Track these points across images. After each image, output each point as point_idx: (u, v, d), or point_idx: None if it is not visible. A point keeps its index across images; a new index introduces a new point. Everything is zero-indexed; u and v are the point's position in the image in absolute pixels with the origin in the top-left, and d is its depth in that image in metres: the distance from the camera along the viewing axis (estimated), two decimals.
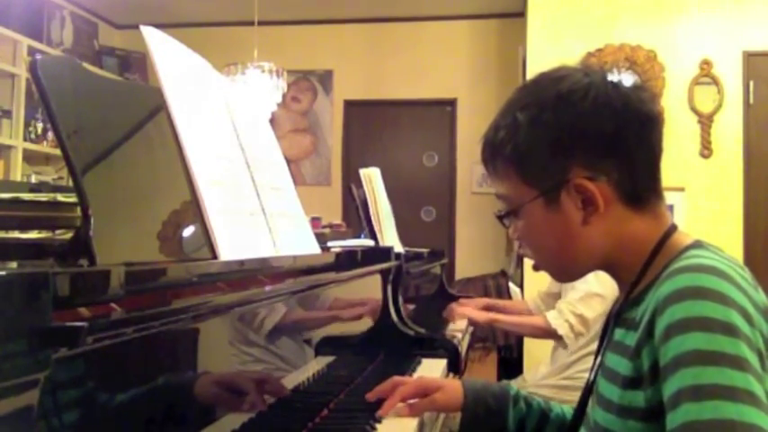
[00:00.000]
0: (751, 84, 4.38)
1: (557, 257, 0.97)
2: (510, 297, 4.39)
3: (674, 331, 0.77)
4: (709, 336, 0.75)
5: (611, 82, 0.92)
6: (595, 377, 0.96)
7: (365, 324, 1.77)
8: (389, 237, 2.42)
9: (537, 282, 4.43)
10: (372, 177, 2.43)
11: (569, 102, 0.90)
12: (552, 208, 0.92)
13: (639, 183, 0.92)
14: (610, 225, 0.92)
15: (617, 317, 0.96)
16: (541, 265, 1.01)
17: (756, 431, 0.71)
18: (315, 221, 3.46)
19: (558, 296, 2.73)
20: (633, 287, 0.93)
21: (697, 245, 0.90)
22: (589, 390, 0.97)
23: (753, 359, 0.75)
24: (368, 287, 1.81)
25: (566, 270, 1.01)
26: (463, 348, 1.99)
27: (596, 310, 2.41)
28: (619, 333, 0.93)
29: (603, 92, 0.90)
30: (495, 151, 0.97)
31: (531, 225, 0.96)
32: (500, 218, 1.00)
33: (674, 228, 0.94)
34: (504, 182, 0.96)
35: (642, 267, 0.92)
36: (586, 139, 0.90)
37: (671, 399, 0.75)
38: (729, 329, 0.75)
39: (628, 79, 0.93)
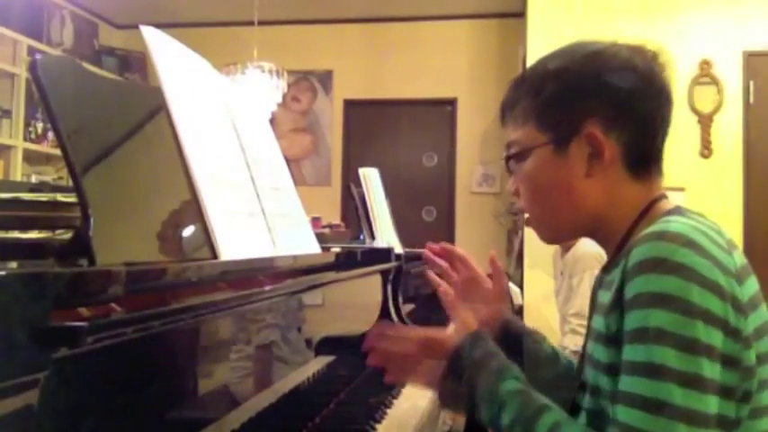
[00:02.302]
0: (751, 84, 4.38)
1: (550, 209, 1.00)
2: (510, 297, 4.38)
3: (635, 303, 0.81)
4: (666, 314, 0.78)
5: (642, 51, 0.97)
6: (586, 342, 0.98)
7: (365, 324, 1.77)
8: (387, 236, 2.42)
9: (537, 282, 4.43)
10: (370, 177, 2.44)
11: (600, 58, 0.96)
12: (559, 156, 0.96)
13: (646, 151, 0.96)
14: (608, 184, 0.95)
15: (600, 281, 0.99)
16: (532, 218, 1.03)
17: (697, 417, 0.75)
18: (315, 221, 3.47)
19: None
20: (617, 252, 0.96)
21: (675, 211, 0.92)
22: (583, 357, 1.00)
23: (710, 337, 0.77)
24: (368, 287, 1.81)
25: (555, 225, 1.02)
26: None
27: None
28: (600, 294, 0.96)
29: (630, 56, 0.96)
30: (519, 95, 1.00)
31: (534, 171, 0.99)
32: (507, 160, 1.02)
33: (661, 196, 0.96)
34: (520, 127, 0.99)
35: (626, 233, 0.95)
36: (608, 95, 0.94)
37: (624, 366, 0.81)
38: (687, 309, 0.77)
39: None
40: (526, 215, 1.07)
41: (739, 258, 0.87)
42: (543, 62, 1.00)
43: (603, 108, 0.94)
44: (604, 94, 0.94)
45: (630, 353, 0.80)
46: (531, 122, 0.98)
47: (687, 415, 0.75)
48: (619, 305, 0.84)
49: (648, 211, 0.94)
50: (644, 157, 0.96)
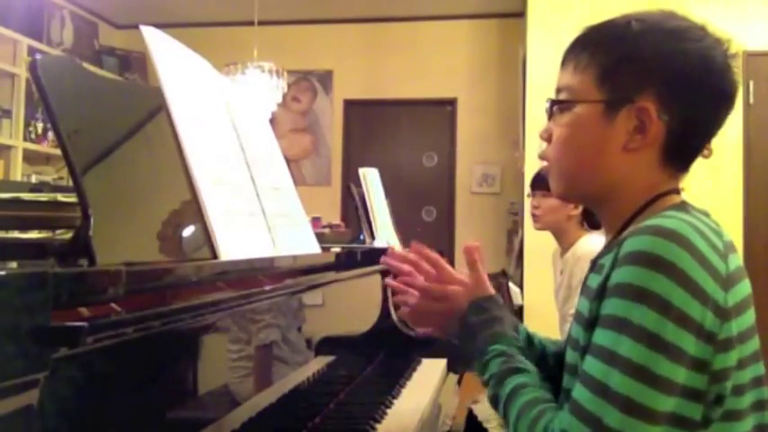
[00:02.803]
0: (751, 84, 4.39)
1: (573, 165, 0.98)
2: (510, 297, 4.39)
3: (616, 291, 0.82)
4: (642, 309, 0.78)
5: (724, 46, 0.94)
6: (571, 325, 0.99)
7: (365, 324, 1.77)
8: (387, 236, 2.43)
9: (537, 282, 4.43)
10: (370, 177, 2.45)
11: (682, 38, 0.93)
12: (606, 118, 0.94)
13: (688, 145, 0.94)
14: (637, 164, 0.94)
15: (593, 265, 0.98)
16: (553, 167, 1.01)
17: (636, 408, 0.76)
18: (315, 221, 3.47)
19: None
20: (615, 237, 0.96)
21: (680, 206, 0.91)
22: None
23: (679, 339, 0.78)
24: (368, 287, 1.81)
25: (570, 183, 1.00)
26: None
27: None
28: (590, 278, 0.96)
29: (712, 47, 0.93)
30: (591, 42, 0.98)
31: (575, 124, 0.96)
32: (553, 103, 1.00)
33: (673, 190, 0.95)
34: (579, 75, 0.96)
35: (628, 219, 0.95)
36: (675, 77, 0.92)
37: (590, 347, 0.84)
38: (663, 307, 0.78)
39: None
40: (544, 162, 1.05)
41: (734, 262, 0.86)
42: (627, 20, 0.97)
43: (666, 88, 0.91)
44: (671, 75, 0.91)
45: (598, 336, 0.83)
46: (591, 73, 0.95)
47: (626, 404, 0.77)
48: (603, 292, 0.85)
49: (656, 201, 0.94)
50: (683, 149, 0.94)
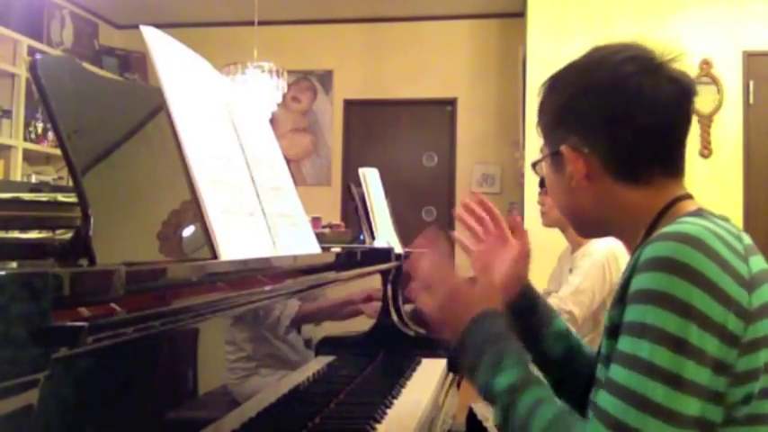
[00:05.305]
0: (751, 84, 4.38)
1: (565, 210, 1.06)
2: None
3: (637, 298, 0.82)
4: (662, 312, 0.79)
5: (637, 60, 0.95)
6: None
7: (365, 324, 1.77)
8: (387, 236, 2.43)
9: (537, 282, 4.43)
10: (370, 177, 2.45)
11: (587, 72, 0.98)
12: (556, 168, 1.02)
13: (628, 159, 0.96)
14: (599, 195, 0.98)
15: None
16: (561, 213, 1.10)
17: (673, 415, 0.76)
18: (315, 221, 3.47)
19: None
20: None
21: (696, 212, 0.92)
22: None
23: (703, 341, 0.78)
24: (368, 287, 1.81)
25: (577, 223, 1.08)
26: None
27: (585, 306, 2.42)
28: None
29: (599, 71, 0.97)
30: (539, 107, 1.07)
31: (546, 178, 1.07)
32: (533, 165, 1.11)
33: (683, 197, 0.96)
34: (540, 136, 1.07)
35: (645, 233, 0.96)
36: (583, 111, 0.97)
37: (615, 355, 0.83)
38: (685, 310, 0.78)
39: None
40: None
41: (756, 264, 0.86)
42: (551, 76, 1.04)
43: (580, 125, 0.97)
44: (580, 112, 0.97)
45: (623, 344, 0.82)
46: (541, 134, 1.05)
47: (664, 412, 0.77)
48: (623, 299, 0.85)
49: (669, 210, 0.95)
50: (628, 165, 0.96)
